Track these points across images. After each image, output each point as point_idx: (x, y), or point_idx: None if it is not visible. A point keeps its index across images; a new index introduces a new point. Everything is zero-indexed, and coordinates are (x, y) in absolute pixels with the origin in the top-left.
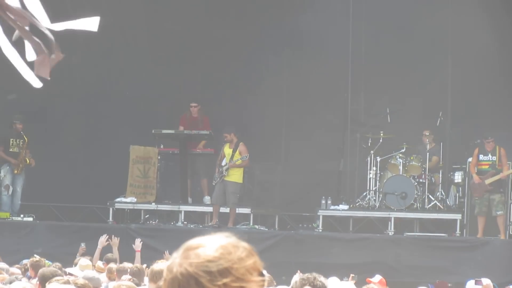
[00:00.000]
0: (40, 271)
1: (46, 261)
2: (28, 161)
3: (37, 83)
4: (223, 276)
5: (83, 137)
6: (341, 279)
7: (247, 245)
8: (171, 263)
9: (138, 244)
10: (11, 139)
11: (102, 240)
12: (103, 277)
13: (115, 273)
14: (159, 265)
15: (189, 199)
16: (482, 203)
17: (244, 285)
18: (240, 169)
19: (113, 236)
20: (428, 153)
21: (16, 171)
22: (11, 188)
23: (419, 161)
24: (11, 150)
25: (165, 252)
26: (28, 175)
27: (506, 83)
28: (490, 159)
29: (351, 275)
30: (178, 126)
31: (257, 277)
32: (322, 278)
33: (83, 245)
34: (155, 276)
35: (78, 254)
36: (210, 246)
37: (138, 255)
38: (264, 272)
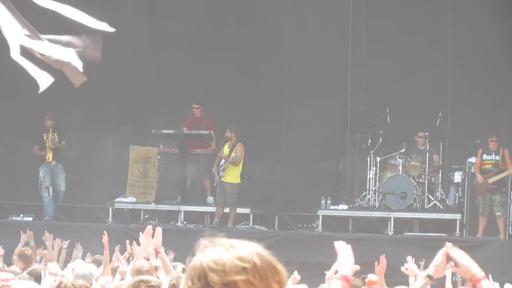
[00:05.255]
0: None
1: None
2: (57, 143)
3: (42, 85)
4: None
5: (83, 137)
6: None
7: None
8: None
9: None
10: (44, 135)
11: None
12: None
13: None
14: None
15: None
16: (485, 203)
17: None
18: (237, 169)
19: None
20: (421, 154)
21: (49, 159)
22: (51, 189)
23: (419, 161)
24: (46, 145)
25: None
26: (67, 171)
27: (507, 82)
28: (493, 158)
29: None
30: (178, 126)
31: None
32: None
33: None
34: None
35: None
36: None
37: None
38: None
